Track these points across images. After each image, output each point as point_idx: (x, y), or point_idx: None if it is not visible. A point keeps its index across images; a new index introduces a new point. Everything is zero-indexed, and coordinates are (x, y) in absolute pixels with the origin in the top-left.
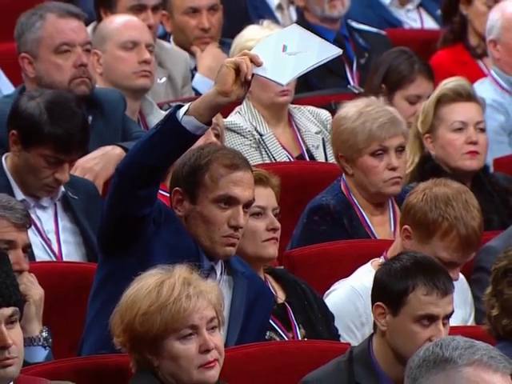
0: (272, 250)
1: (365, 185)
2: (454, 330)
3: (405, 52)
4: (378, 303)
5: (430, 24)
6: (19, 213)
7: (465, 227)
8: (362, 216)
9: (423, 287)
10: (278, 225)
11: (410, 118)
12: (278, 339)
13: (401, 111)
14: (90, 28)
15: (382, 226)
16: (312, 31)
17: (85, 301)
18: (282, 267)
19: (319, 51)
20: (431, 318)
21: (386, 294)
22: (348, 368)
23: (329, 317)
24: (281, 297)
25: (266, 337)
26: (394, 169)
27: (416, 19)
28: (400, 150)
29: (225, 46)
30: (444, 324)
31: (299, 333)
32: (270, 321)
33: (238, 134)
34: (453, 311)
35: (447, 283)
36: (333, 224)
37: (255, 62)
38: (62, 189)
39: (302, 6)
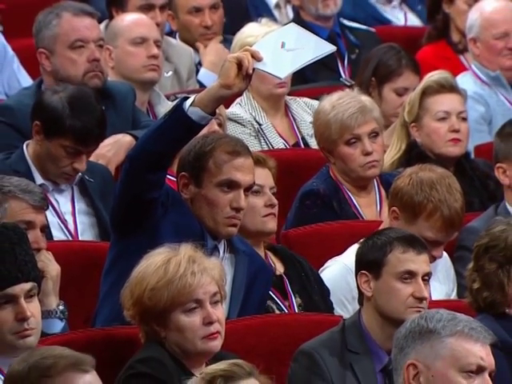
0: (271, 224)
1: (346, 171)
2: (438, 304)
3: (393, 48)
4: (362, 272)
5: (413, 18)
6: (37, 196)
7: (448, 209)
8: (350, 198)
9: (400, 247)
10: (275, 201)
11: (397, 109)
12: (275, 307)
13: (389, 102)
14: (102, 25)
15: (369, 207)
16: (307, 29)
17: (98, 277)
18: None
19: (315, 48)
20: (411, 274)
21: (368, 261)
22: (341, 337)
23: (324, 291)
24: (279, 269)
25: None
26: (368, 154)
27: (400, 15)
28: (373, 135)
29: (226, 42)
30: (424, 284)
31: (295, 302)
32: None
33: (238, 123)
34: (430, 273)
35: (421, 246)
36: (323, 207)
37: (256, 58)
38: (79, 173)
39: (298, 5)
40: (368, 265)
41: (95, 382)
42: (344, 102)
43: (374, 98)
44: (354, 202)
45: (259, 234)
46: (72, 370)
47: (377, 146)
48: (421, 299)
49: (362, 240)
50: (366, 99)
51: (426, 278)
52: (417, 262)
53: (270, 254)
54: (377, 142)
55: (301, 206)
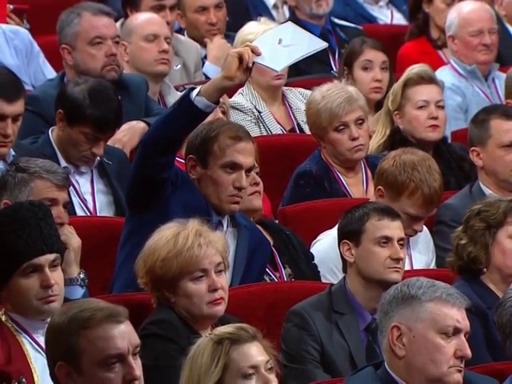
0: (256, 201)
1: (335, 154)
2: (419, 273)
3: (360, 38)
4: (344, 241)
5: (399, 17)
6: (60, 175)
7: (428, 188)
8: (339, 178)
9: (375, 215)
10: (258, 180)
11: (370, 84)
12: (267, 279)
13: (361, 80)
14: (118, 24)
15: (356, 186)
16: (301, 27)
17: (114, 249)
18: (274, 220)
19: (309, 44)
20: (387, 239)
21: (348, 231)
22: (328, 300)
23: (309, 257)
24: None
25: None
26: (355, 139)
27: (387, 14)
28: (359, 122)
29: (229, 38)
30: (400, 247)
31: (284, 272)
32: None
33: (240, 111)
34: (404, 238)
35: (395, 214)
36: (315, 186)
37: (255, 52)
38: (98, 157)
39: (294, 6)
40: (348, 234)
41: (129, 331)
42: (333, 92)
43: (351, 84)
44: (343, 181)
45: (247, 211)
46: (108, 321)
47: (362, 132)
48: (397, 260)
49: None
50: (352, 89)
51: (401, 242)
52: (392, 227)
53: (259, 228)
54: (362, 128)
55: (295, 186)
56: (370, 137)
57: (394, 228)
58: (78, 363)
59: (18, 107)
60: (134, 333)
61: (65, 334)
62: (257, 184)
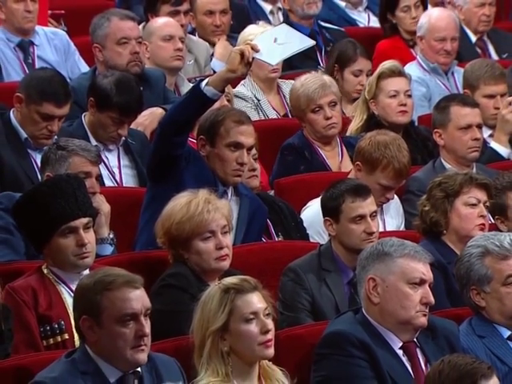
0: (253, 182)
1: (313, 132)
2: (390, 234)
3: (350, 41)
4: (326, 218)
5: (374, 20)
6: (93, 153)
7: (398, 163)
8: (319, 151)
9: (349, 197)
10: (255, 166)
11: (356, 87)
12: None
13: (349, 82)
14: (141, 26)
15: (333, 158)
16: (294, 28)
17: (137, 214)
18: (269, 191)
19: (299, 42)
20: (361, 217)
21: (328, 209)
22: (317, 260)
23: (298, 222)
24: None
25: None
26: (328, 118)
27: (365, 17)
28: (332, 104)
29: (233, 39)
30: (372, 219)
31: (278, 240)
32: None
33: (242, 99)
34: (376, 210)
35: (365, 192)
36: (297, 155)
37: (255, 49)
38: (123, 137)
39: (287, 8)
40: (329, 212)
41: (143, 296)
42: (310, 81)
43: (337, 79)
44: (322, 154)
45: None
46: (127, 286)
47: (335, 113)
48: (371, 233)
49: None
50: (326, 78)
51: (374, 214)
52: (364, 206)
53: None
54: (335, 110)
55: (281, 156)
56: (348, 119)
57: (366, 206)
58: (100, 318)
59: (65, 110)
60: (147, 297)
61: (91, 293)
62: (254, 170)
